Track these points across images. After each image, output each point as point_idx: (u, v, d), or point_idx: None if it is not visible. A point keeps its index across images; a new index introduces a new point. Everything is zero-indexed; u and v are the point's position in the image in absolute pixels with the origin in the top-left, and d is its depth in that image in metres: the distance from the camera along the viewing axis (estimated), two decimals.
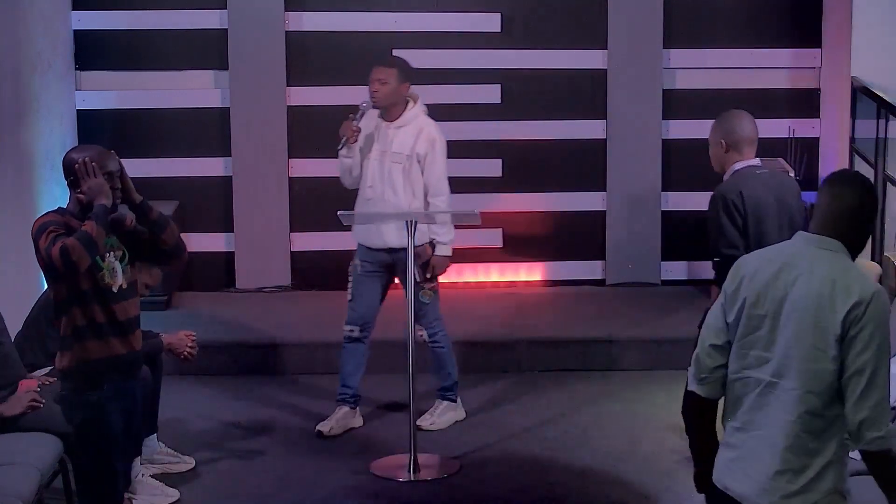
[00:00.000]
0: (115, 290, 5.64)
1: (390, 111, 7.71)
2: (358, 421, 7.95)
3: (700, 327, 6.15)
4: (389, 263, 7.80)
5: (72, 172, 5.67)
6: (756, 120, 9.77)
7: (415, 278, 7.59)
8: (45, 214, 5.75)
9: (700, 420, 4.75)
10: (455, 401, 8.02)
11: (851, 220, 4.52)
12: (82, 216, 5.60)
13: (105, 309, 5.62)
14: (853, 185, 4.57)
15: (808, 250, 4.54)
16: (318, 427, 7.79)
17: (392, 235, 7.69)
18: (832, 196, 4.55)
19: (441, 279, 9.74)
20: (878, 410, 4.40)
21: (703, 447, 4.76)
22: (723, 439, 4.71)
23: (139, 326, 5.80)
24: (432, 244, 7.74)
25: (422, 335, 7.85)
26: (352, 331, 7.88)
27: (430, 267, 7.75)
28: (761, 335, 4.54)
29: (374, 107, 7.70)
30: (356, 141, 7.67)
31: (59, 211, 5.75)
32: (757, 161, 6.51)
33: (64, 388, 5.75)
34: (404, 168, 7.66)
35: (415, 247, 7.58)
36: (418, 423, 7.64)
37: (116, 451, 5.73)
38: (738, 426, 4.61)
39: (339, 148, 7.70)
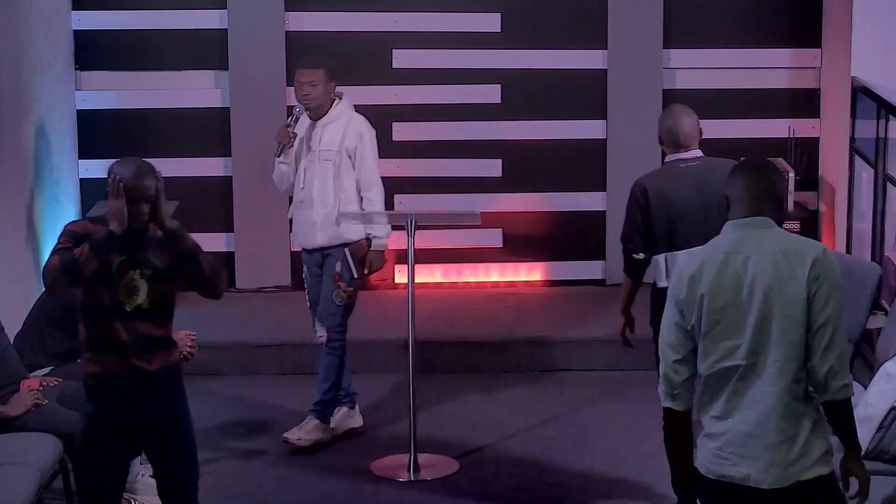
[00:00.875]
0: (128, 308, 5.50)
1: (317, 110, 7.62)
2: (358, 420, 7.93)
3: (651, 324, 6.38)
4: (319, 264, 7.70)
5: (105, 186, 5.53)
6: (756, 120, 9.91)
7: (339, 274, 7.55)
8: (76, 221, 5.68)
9: (682, 431, 4.88)
10: (328, 420, 7.73)
11: (772, 199, 4.75)
12: None
13: (107, 326, 5.49)
14: (764, 168, 4.80)
15: (746, 233, 4.71)
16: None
17: (322, 235, 7.61)
18: (748, 182, 4.76)
19: (441, 279, 9.74)
20: (841, 360, 4.63)
21: (687, 454, 4.88)
22: (702, 432, 4.77)
23: (160, 347, 5.60)
24: (368, 239, 7.64)
25: (321, 336, 7.67)
26: (321, 337, 7.75)
27: (366, 263, 7.65)
28: (725, 326, 4.68)
29: (307, 109, 7.59)
30: (293, 146, 7.60)
31: (94, 219, 5.62)
32: (690, 154, 6.51)
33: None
34: (335, 164, 7.57)
35: (351, 242, 7.58)
36: (285, 435, 7.60)
37: (104, 466, 5.60)
38: (717, 415, 4.73)
39: (276, 155, 7.62)
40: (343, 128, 7.61)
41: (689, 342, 4.77)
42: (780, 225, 4.77)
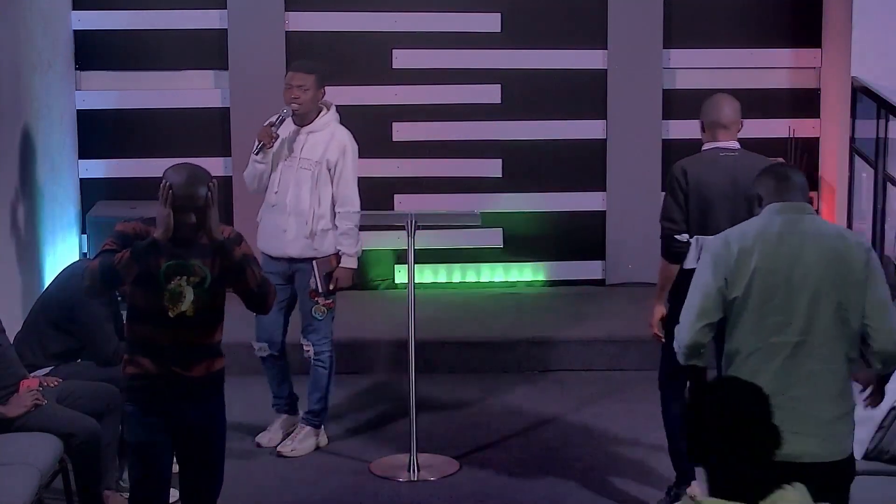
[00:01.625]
0: (171, 314, 5.41)
1: (304, 116, 7.51)
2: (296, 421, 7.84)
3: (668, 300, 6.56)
4: (289, 274, 7.58)
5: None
6: (756, 120, 9.89)
7: (315, 290, 7.47)
8: (128, 221, 5.58)
9: (703, 380, 5.01)
10: (319, 426, 7.70)
11: (805, 193, 4.94)
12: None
13: (149, 330, 5.43)
14: (794, 169, 5.06)
15: (796, 216, 4.86)
16: (258, 440, 7.71)
17: (292, 246, 7.49)
18: (782, 177, 4.95)
19: (441, 279, 9.70)
20: None
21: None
22: None
23: (204, 355, 5.52)
24: (338, 255, 7.53)
25: (308, 350, 7.63)
26: (260, 349, 7.72)
27: (333, 279, 7.52)
28: (777, 302, 4.80)
29: (294, 113, 7.49)
30: (272, 147, 7.48)
31: (147, 220, 5.54)
32: (729, 144, 6.63)
33: None
34: (312, 174, 7.45)
35: (320, 257, 7.47)
36: (279, 449, 7.59)
37: (140, 466, 5.57)
38: None
39: (254, 153, 7.50)
40: (327, 139, 7.50)
41: (721, 312, 4.87)
42: None
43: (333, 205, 7.51)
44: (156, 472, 5.61)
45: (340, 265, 7.54)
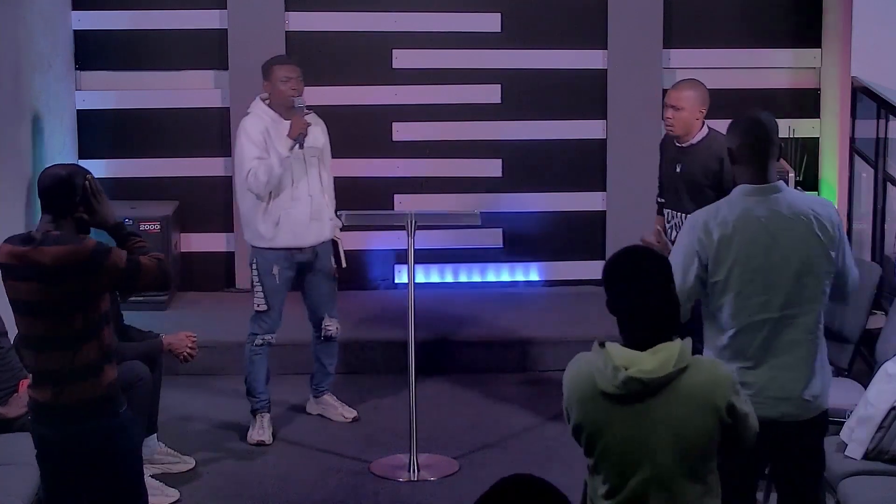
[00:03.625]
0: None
1: (289, 110, 7.69)
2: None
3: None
4: (308, 261, 7.82)
5: (75, 192, 5.29)
6: None
7: (338, 265, 7.82)
8: (83, 240, 5.28)
9: None
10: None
11: (775, 157, 5.16)
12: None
13: (117, 327, 5.51)
14: (765, 131, 5.16)
15: (769, 198, 5.07)
16: (258, 439, 7.74)
17: (328, 229, 7.81)
18: (755, 147, 5.11)
19: (441, 279, 9.69)
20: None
21: None
22: None
23: None
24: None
25: (336, 328, 7.96)
26: (271, 339, 7.87)
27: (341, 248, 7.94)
28: (759, 284, 5.04)
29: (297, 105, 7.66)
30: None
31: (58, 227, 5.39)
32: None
33: (111, 414, 5.37)
34: (318, 160, 7.76)
35: (330, 238, 7.82)
36: (353, 417, 7.99)
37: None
38: (748, 366, 5.07)
39: (299, 147, 7.60)
40: (316, 126, 7.80)
41: (699, 295, 5.12)
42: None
43: None
44: None
45: (337, 234, 7.93)
